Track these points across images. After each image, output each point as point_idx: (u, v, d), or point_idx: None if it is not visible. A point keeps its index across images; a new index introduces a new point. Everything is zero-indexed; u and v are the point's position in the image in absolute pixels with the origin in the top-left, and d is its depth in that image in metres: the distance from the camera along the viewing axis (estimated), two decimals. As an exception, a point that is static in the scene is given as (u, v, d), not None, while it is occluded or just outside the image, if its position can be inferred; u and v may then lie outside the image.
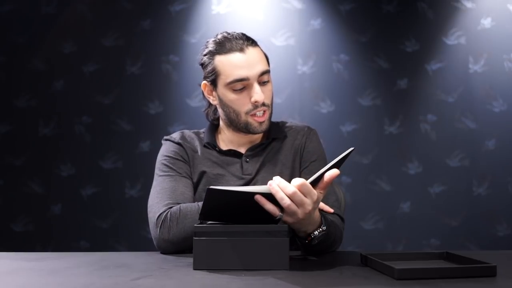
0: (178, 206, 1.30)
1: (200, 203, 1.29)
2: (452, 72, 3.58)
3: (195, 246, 1.03)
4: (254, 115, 1.40)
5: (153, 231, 1.30)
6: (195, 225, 1.05)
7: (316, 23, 3.61)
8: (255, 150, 1.48)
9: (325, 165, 1.08)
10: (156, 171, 1.45)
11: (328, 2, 3.62)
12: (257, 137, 1.50)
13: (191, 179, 1.43)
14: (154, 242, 1.30)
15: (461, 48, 3.58)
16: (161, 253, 1.28)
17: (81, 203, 3.52)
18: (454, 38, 3.59)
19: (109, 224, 3.51)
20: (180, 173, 1.42)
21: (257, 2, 3.61)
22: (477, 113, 3.55)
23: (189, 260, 1.07)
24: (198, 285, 0.90)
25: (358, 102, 3.59)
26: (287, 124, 1.56)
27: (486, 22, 3.57)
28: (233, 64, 1.37)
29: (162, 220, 1.28)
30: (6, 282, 0.96)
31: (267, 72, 1.40)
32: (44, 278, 0.98)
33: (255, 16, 3.59)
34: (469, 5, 3.59)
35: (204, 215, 1.08)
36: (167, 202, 1.33)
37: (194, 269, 1.03)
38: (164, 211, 1.30)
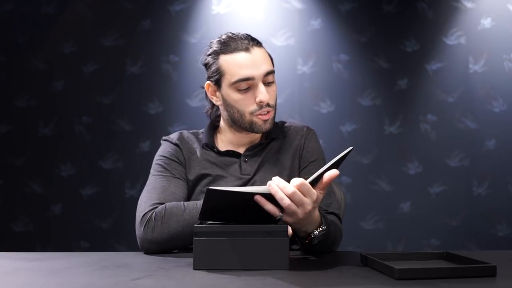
0: (164, 205, 1.29)
1: (187, 203, 1.29)
2: (452, 72, 3.58)
3: (195, 246, 1.03)
4: (259, 114, 1.39)
5: (137, 230, 1.29)
6: (195, 225, 1.05)
7: (316, 23, 3.61)
8: (253, 150, 1.47)
9: (324, 165, 1.08)
10: (151, 171, 1.45)
11: (328, 2, 3.62)
12: (257, 137, 1.50)
13: (186, 180, 1.43)
14: (138, 242, 1.29)
15: (461, 48, 3.58)
16: (145, 253, 1.27)
17: (81, 203, 3.52)
18: (454, 38, 3.58)
19: (109, 224, 3.51)
20: (174, 174, 1.41)
21: (257, 2, 3.61)
22: (477, 113, 3.55)
23: (189, 260, 1.06)
24: (198, 285, 0.90)
25: (358, 102, 3.58)
26: (286, 124, 1.56)
27: (486, 22, 3.57)
28: (238, 64, 1.36)
29: (147, 220, 1.27)
30: (6, 282, 0.96)
31: (272, 72, 1.40)
32: (44, 278, 0.98)
33: (255, 16, 3.59)
34: (469, 5, 3.59)
35: (204, 215, 1.08)
36: (154, 201, 1.32)
37: (194, 269, 1.03)
38: (150, 210, 1.29)
